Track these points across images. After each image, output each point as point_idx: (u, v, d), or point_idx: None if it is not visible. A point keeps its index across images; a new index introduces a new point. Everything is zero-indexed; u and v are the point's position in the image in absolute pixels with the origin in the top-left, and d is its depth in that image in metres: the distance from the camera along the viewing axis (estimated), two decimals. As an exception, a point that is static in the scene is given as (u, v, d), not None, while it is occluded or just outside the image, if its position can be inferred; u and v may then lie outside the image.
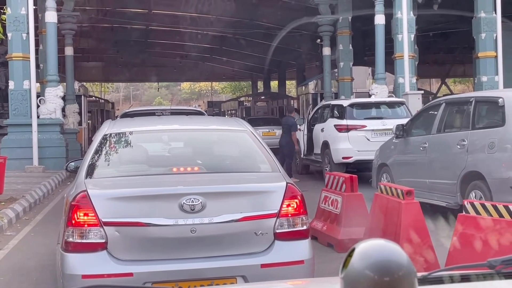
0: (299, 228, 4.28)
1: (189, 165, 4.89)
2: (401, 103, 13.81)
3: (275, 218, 4.21)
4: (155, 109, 11.66)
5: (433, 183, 8.46)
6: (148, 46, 36.03)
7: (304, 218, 4.33)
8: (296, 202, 4.29)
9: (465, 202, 5.07)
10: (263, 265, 4.12)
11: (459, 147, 7.88)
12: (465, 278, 1.53)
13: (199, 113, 11.04)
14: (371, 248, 1.13)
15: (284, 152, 14.15)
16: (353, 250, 1.13)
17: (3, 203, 9.84)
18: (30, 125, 15.13)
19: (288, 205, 4.27)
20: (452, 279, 1.52)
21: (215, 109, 43.42)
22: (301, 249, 4.30)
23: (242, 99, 45.13)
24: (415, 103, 15.40)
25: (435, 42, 28.51)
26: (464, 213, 5.01)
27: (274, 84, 45.26)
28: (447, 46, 32.31)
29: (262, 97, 38.86)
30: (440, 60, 36.12)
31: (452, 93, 35.32)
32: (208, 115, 14.06)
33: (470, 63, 24.27)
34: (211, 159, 5.19)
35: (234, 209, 4.17)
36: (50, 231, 6.82)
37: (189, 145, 5.48)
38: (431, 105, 9.61)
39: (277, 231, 4.21)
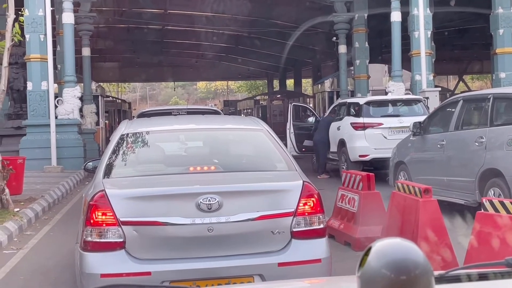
0: (316, 226, 4.28)
1: (205, 164, 4.90)
2: (418, 101, 13.72)
3: (292, 217, 4.21)
4: (172, 108, 11.68)
5: (451, 180, 8.40)
6: (164, 46, 36.18)
7: (321, 216, 4.32)
8: (312, 201, 4.29)
9: (484, 200, 5.03)
10: (280, 264, 4.12)
11: (477, 144, 7.81)
12: (483, 277, 1.52)
13: (215, 112, 11.06)
14: (388, 247, 1.13)
15: (318, 149, 14.31)
16: (369, 249, 1.13)
17: (22, 203, 9.95)
18: (48, 125, 15.28)
19: (305, 204, 4.26)
20: (469, 278, 1.52)
21: (231, 108, 43.49)
22: (318, 247, 4.30)
23: (258, 98, 45.16)
24: (433, 101, 15.30)
25: (452, 38, 28.25)
26: (482, 211, 4.97)
27: (290, 82, 45.20)
28: (464, 43, 32.03)
29: (278, 96, 38.82)
30: (457, 57, 35.81)
31: (469, 90, 35.02)
32: (224, 114, 14.10)
33: (487, 59, 24.00)
34: (228, 158, 5.20)
35: (251, 208, 4.18)
36: (69, 231, 6.89)
37: (206, 144, 5.50)
38: (448, 102, 9.53)
39: (294, 229, 4.21)
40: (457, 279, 1.50)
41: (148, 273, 3.99)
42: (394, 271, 1.08)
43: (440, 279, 1.40)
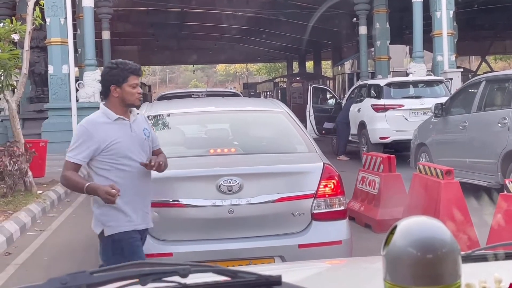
0: (336, 208, 4.27)
1: (226, 146, 4.91)
2: (440, 82, 13.55)
3: (312, 199, 4.21)
4: (191, 91, 11.69)
5: (473, 162, 8.31)
6: (184, 29, 36.12)
7: (341, 198, 4.31)
8: (333, 183, 4.28)
9: (507, 181, 4.97)
10: (300, 245, 4.13)
11: (500, 125, 7.71)
12: (509, 256, 1.51)
13: (234, 95, 11.05)
14: (414, 225, 1.12)
15: (339, 130, 14.29)
16: (395, 227, 1.12)
17: (45, 185, 10.08)
18: (70, 109, 15.40)
19: (325, 186, 4.25)
20: (496, 257, 1.50)
21: (250, 90, 43.41)
22: (339, 229, 4.29)
23: (277, 80, 45.02)
24: (455, 82, 15.10)
25: (474, 18, 27.81)
26: (505, 192, 4.91)
27: (309, 64, 44.95)
28: (487, 22, 31.48)
29: (298, 78, 38.63)
30: (480, 37, 35.25)
31: (492, 71, 34.50)
32: (243, 96, 14.07)
33: (511, 39, 23.71)
34: (248, 141, 5.20)
35: (271, 190, 4.18)
36: (91, 213, 6.95)
37: (226, 126, 5.49)
38: (471, 83, 9.40)
39: (315, 211, 4.21)
40: (483, 258, 1.48)
41: (170, 254, 4.02)
42: (421, 249, 1.06)
43: (467, 258, 1.39)
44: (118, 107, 3.54)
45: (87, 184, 3.43)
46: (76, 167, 3.52)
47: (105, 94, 3.59)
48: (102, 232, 3.51)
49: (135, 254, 3.43)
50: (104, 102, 3.63)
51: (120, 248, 3.45)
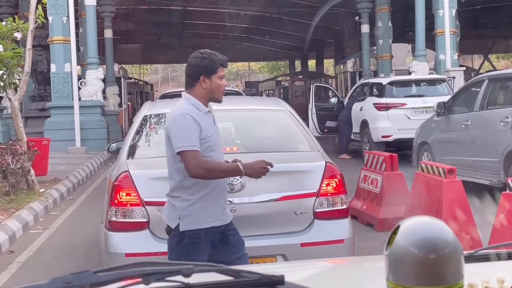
0: (338, 207, 4.27)
1: (228, 145, 4.89)
2: (442, 80, 13.54)
3: (315, 198, 4.21)
4: (194, 90, 11.72)
5: (475, 161, 8.30)
6: (186, 27, 36.12)
7: (343, 197, 4.31)
8: (335, 181, 4.28)
9: (509, 180, 4.97)
10: (303, 244, 4.13)
11: (502, 124, 7.70)
12: (512, 256, 1.51)
13: (236, 93, 11.06)
14: (417, 225, 1.12)
15: (341, 128, 14.28)
16: (398, 227, 1.12)
17: (47, 184, 10.09)
18: (72, 107, 15.43)
19: (328, 184, 4.25)
20: (499, 257, 1.50)
21: (252, 89, 43.39)
22: (341, 228, 4.29)
23: (279, 78, 44.98)
24: (457, 80, 15.09)
25: (477, 17, 27.76)
26: (507, 191, 4.91)
27: (311, 63, 44.90)
28: (490, 21, 31.43)
29: (300, 77, 38.60)
30: (482, 36, 35.15)
31: (495, 69, 34.44)
32: (245, 95, 14.08)
33: (513, 38, 23.73)
34: (250, 139, 5.19)
35: (274, 188, 4.18)
36: (94, 211, 6.98)
37: (228, 125, 5.49)
38: (473, 82, 9.39)
39: (317, 210, 4.21)
40: (486, 258, 1.48)
41: (172, 253, 4.02)
42: (423, 249, 1.06)
43: (469, 258, 1.39)
44: (204, 99, 3.41)
45: (240, 164, 3.29)
46: (198, 154, 3.28)
47: (191, 84, 3.42)
48: (177, 226, 3.36)
49: (205, 251, 3.34)
50: (187, 93, 3.45)
51: (197, 243, 3.33)
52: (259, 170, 3.30)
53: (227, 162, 3.47)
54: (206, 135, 3.33)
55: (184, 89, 3.56)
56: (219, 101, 3.52)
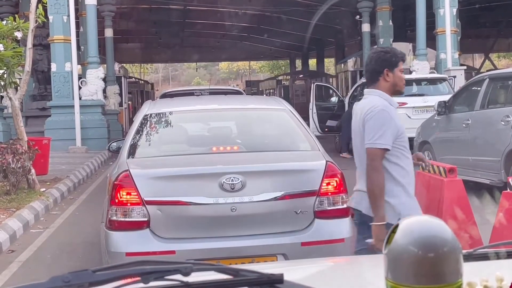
0: (339, 206, 4.27)
1: (228, 144, 4.91)
2: (443, 79, 13.52)
3: (315, 197, 4.21)
4: (194, 89, 11.71)
5: (476, 160, 8.30)
6: (187, 26, 36.09)
7: (344, 196, 4.31)
8: (336, 181, 4.28)
9: (510, 179, 4.96)
10: (303, 243, 4.13)
11: (503, 123, 7.70)
12: (511, 255, 1.50)
13: (237, 93, 11.07)
14: (415, 224, 1.12)
15: (343, 127, 14.29)
16: (396, 226, 1.12)
17: (48, 183, 10.10)
18: (73, 106, 15.43)
19: (328, 184, 4.26)
20: (498, 256, 1.50)
21: (253, 88, 43.38)
22: (342, 227, 4.29)
23: (280, 78, 44.97)
24: (458, 79, 15.08)
25: (478, 16, 27.72)
26: (508, 190, 4.90)
27: (312, 62, 44.87)
28: (491, 20, 31.36)
29: (301, 76, 38.58)
30: (483, 35, 35.11)
31: (496, 68, 34.40)
32: (246, 94, 14.07)
33: (514, 37, 23.80)
34: (251, 138, 5.20)
35: (274, 187, 4.18)
36: (94, 210, 6.98)
37: (228, 124, 5.50)
38: (474, 81, 9.39)
39: (317, 209, 4.21)
40: (485, 257, 1.48)
41: (172, 252, 4.03)
42: (422, 248, 1.06)
43: (468, 257, 1.39)
44: (389, 92, 3.46)
45: (380, 225, 3.23)
46: (384, 154, 3.32)
47: (373, 79, 3.48)
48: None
49: None
50: (371, 89, 3.49)
51: None
52: (378, 245, 3.14)
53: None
54: (401, 129, 3.38)
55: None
56: (402, 93, 3.64)
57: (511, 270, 1.38)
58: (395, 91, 3.50)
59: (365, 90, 3.57)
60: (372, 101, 3.41)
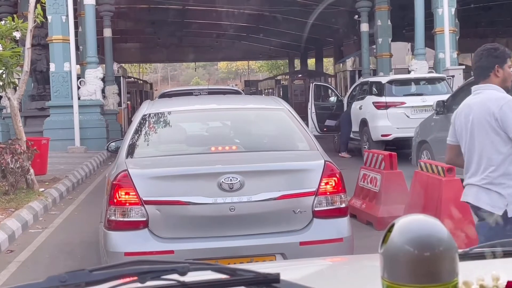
0: (337, 206, 4.28)
1: (227, 144, 4.91)
2: (442, 79, 13.53)
3: (314, 196, 4.21)
4: (193, 89, 11.70)
5: (474, 160, 8.29)
6: (185, 26, 36.08)
7: (342, 196, 4.32)
8: (334, 180, 4.28)
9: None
10: (302, 243, 4.13)
11: (501, 122, 7.70)
12: (507, 254, 1.51)
13: (236, 92, 11.06)
14: (411, 223, 1.12)
15: (342, 126, 14.28)
16: (392, 225, 1.12)
17: (47, 183, 10.10)
18: (71, 106, 15.43)
19: (327, 183, 4.26)
20: (494, 255, 1.50)
21: (252, 88, 43.41)
22: (340, 226, 4.30)
23: (279, 77, 44.98)
24: (456, 79, 15.09)
25: (476, 15, 27.76)
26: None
27: (311, 62, 44.88)
28: (489, 20, 31.43)
29: (299, 75, 38.60)
30: (481, 34, 35.13)
31: (494, 68, 34.34)
32: (245, 94, 14.08)
33: (513, 36, 23.84)
34: (249, 138, 5.20)
35: (273, 187, 4.18)
36: (93, 210, 6.98)
37: (227, 124, 5.50)
38: (473, 80, 9.38)
39: (316, 209, 4.21)
40: (481, 256, 1.48)
41: (171, 252, 4.03)
42: (418, 247, 1.06)
43: (464, 256, 1.39)
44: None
45: None
46: None
47: (485, 75, 3.54)
48: (505, 213, 3.40)
49: None
50: (482, 83, 3.56)
51: None
52: None
53: None
54: None
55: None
56: (509, 89, 3.62)
57: (507, 269, 1.38)
58: (504, 87, 3.56)
59: (477, 86, 3.63)
60: (496, 93, 3.48)
